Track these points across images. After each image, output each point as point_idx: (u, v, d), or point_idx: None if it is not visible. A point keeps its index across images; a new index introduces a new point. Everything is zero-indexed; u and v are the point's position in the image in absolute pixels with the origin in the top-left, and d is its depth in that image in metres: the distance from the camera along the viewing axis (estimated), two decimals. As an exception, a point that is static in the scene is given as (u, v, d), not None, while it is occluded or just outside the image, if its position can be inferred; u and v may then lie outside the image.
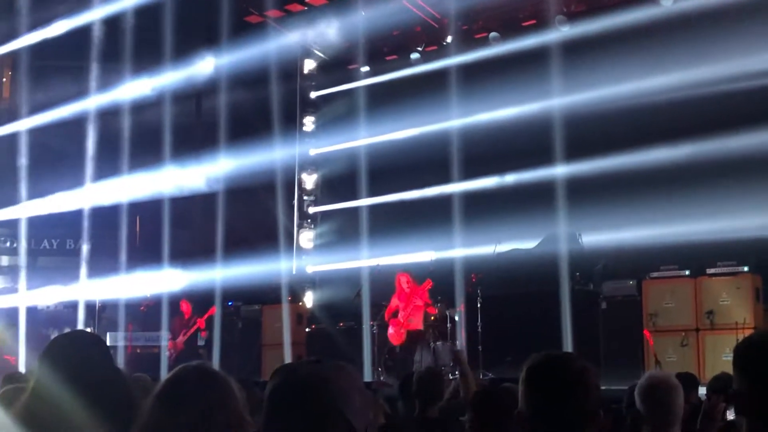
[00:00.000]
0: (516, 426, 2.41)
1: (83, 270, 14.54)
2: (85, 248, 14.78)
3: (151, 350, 13.67)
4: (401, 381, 6.32)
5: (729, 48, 11.03)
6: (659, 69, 11.63)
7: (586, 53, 11.89)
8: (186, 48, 14.35)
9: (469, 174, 12.95)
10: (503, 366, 10.28)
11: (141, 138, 14.63)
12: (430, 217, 13.25)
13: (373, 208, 14.18)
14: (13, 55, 15.70)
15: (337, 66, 16.04)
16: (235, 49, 14.05)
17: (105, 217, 14.67)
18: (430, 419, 5.43)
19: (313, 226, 16.40)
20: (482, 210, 12.60)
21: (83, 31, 14.29)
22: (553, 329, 10.39)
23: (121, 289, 14.11)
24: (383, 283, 12.92)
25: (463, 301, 11.92)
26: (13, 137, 14.79)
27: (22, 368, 11.48)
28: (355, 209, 14.39)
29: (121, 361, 12.29)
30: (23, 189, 14.51)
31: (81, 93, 14.64)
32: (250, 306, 14.19)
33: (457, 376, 6.33)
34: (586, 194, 11.44)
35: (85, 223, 14.65)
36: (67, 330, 3.49)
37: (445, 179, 13.05)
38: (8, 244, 16.11)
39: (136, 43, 14.25)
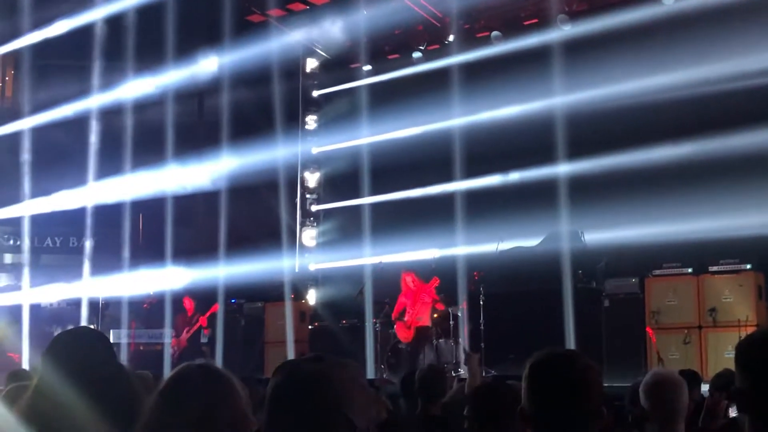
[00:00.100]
0: (518, 423, 2.41)
1: (86, 268, 14.55)
2: (88, 246, 14.79)
3: (154, 347, 13.69)
4: (403, 378, 6.33)
5: (731, 46, 11.02)
6: (661, 67, 11.62)
7: (587, 52, 11.87)
8: (188, 47, 14.36)
9: (471, 172, 12.95)
10: (506, 364, 10.28)
11: (144, 136, 14.64)
12: (432, 215, 13.25)
13: (375, 207, 14.20)
14: (16, 54, 15.73)
15: (339, 65, 16.05)
16: (238, 48, 14.06)
17: (108, 215, 14.69)
18: (433, 417, 5.44)
19: (315, 224, 16.41)
20: (485, 208, 12.59)
21: (85, 30, 14.30)
22: (555, 327, 10.38)
23: (124, 287, 14.12)
24: (386, 281, 12.94)
25: (465, 298, 11.93)
26: (16, 136, 14.81)
27: (25, 365, 11.50)
28: (358, 207, 14.41)
29: (124, 358, 12.31)
30: (26, 187, 14.52)
31: (83, 92, 14.66)
32: (252, 303, 14.20)
33: (460, 373, 6.34)
34: (589, 192, 11.44)
35: (89, 221, 14.66)
36: (70, 327, 3.50)
37: (448, 177, 13.04)
38: (11, 241, 16.13)
39: (138, 42, 14.26)
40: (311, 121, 16.46)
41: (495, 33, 13.83)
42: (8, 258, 16.69)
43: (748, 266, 10.43)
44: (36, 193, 14.66)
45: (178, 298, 13.92)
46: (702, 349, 10.35)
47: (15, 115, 15.29)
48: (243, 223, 14.40)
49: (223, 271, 13.63)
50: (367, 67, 15.21)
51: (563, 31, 12.70)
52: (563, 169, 11.74)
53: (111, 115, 14.72)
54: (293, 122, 15.85)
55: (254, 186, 14.25)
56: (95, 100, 14.59)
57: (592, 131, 11.72)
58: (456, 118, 13.17)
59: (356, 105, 14.96)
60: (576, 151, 11.75)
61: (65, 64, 15.63)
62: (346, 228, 15.61)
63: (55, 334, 3.14)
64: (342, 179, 15.57)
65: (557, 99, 11.98)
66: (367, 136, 14.43)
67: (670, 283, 10.80)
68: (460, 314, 11.93)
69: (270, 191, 14.89)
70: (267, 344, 13.82)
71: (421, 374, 5.65)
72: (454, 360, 11.71)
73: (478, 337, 11.34)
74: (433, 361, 11.13)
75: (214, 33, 14.40)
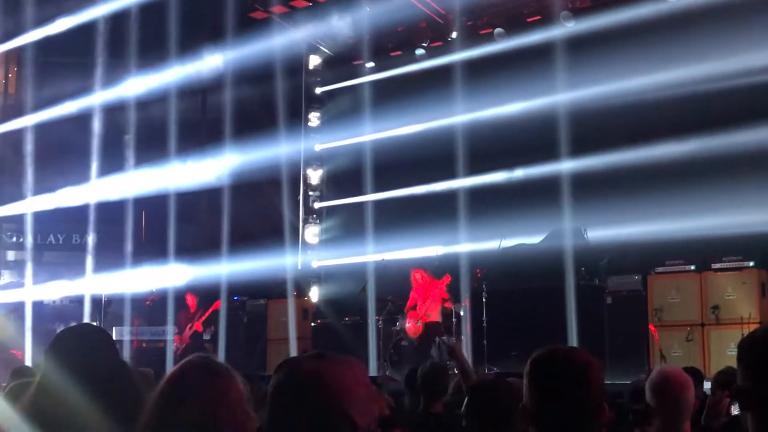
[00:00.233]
0: (519, 422, 2.41)
1: (89, 264, 14.57)
2: (90, 243, 14.81)
3: (156, 344, 13.71)
4: (406, 376, 6.33)
5: (735, 43, 11.00)
6: (664, 64, 11.59)
7: (591, 49, 11.86)
8: (191, 44, 14.37)
9: (474, 169, 12.95)
10: (508, 361, 10.28)
11: (147, 133, 14.67)
12: (435, 213, 13.24)
13: (378, 204, 14.20)
14: (19, 51, 15.74)
15: (342, 62, 16.04)
16: (241, 45, 14.06)
17: (111, 212, 14.71)
18: (435, 414, 5.45)
19: (318, 221, 16.41)
20: (487, 205, 12.59)
21: (88, 28, 14.31)
22: (558, 324, 10.37)
23: (126, 284, 14.14)
24: (388, 278, 12.94)
25: (468, 295, 11.93)
26: (19, 133, 14.82)
27: (28, 362, 11.52)
28: (361, 204, 14.42)
29: (126, 355, 12.32)
30: (29, 184, 14.54)
31: (86, 89, 14.68)
32: (255, 301, 14.20)
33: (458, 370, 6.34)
34: (592, 189, 11.44)
35: (91, 218, 14.69)
36: (73, 324, 3.51)
37: (450, 174, 13.05)
38: (14, 238, 16.16)
39: (141, 40, 14.28)
40: (314, 118, 16.46)
41: (498, 30, 13.82)
42: (11, 255, 16.73)
43: (751, 263, 10.41)
44: (39, 189, 14.68)
45: (180, 295, 13.94)
46: (704, 347, 10.34)
47: (18, 111, 15.31)
48: (246, 220, 14.41)
49: (226, 268, 13.64)
50: (370, 64, 15.20)
51: (566, 27, 12.69)
52: (566, 166, 11.74)
53: (114, 111, 14.73)
54: (296, 119, 15.86)
55: (257, 183, 14.27)
56: (98, 97, 14.61)
57: (595, 128, 11.71)
58: (459, 115, 13.16)
59: (359, 102, 14.96)
60: (579, 148, 11.74)
61: (68, 61, 15.65)
62: (348, 225, 15.62)
63: (58, 331, 3.14)
64: (345, 176, 15.57)
65: (560, 96, 11.97)
66: (370, 133, 14.42)
67: (673, 280, 10.79)
68: (462, 312, 11.93)
69: (273, 188, 14.89)
70: (269, 341, 13.83)
71: (423, 372, 5.66)
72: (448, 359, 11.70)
73: (481, 334, 11.35)
74: (435, 359, 11.13)
75: (217, 30, 14.40)
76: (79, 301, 14.06)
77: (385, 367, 12.17)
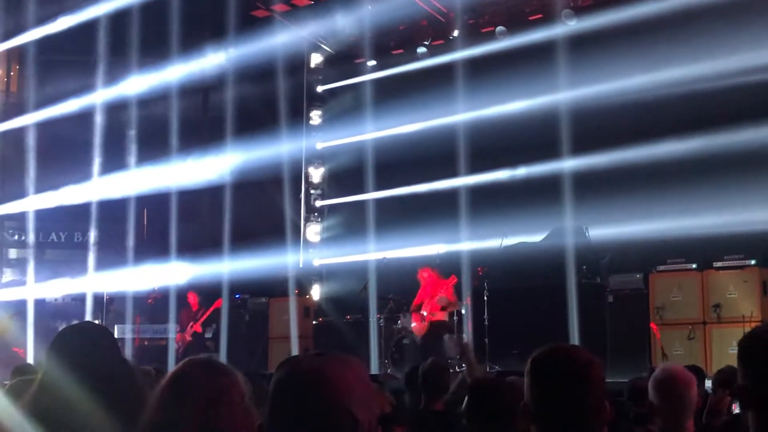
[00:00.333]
0: (519, 421, 2.41)
1: (91, 263, 14.59)
2: (92, 241, 14.82)
3: (158, 343, 13.73)
4: (407, 374, 6.34)
5: (737, 41, 10.99)
6: (666, 63, 11.59)
7: (592, 47, 11.85)
8: (193, 42, 14.37)
9: (475, 168, 12.95)
10: (510, 359, 10.28)
11: (148, 131, 14.67)
12: (436, 211, 13.24)
13: (379, 202, 14.20)
14: (21, 49, 15.74)
15: (343, 60, 16.04)
16: (242, 43, 14.07)
17: (113, 210, 14.72)
18: (436, 412, 5.45)
19: (320, 219, 16.42)
20: (489, 203, 12.59)
21: (90, 26, 14.31)
22: (559, 322, 10.38)
23: (128, 282, 14.15)
24: (390, 277, 12.95)
25: (469, 294, 11.93)
26: (20, 131, 14.83)
27: (30, 360, 11.53)
28: (362, 203, 14.42)
29: (128, 353, 12.34)
30: (31, 182, 14.55)
31: (88, 87, 14.68)
32: (257, 299, 14.21)
33: (464, 368, 6.34)
34: (593, 188, 11.43)
35: (93, 216, 14.70)
36: (74, 322, 3.51)
37: (452, 173, 13.05)
38: (16, 236, 16.16)
39: (142, 38, 14.28)
40: (316, 116, 16.46)
41: (500, 28, 13.81)
42: (13, 253, 16.73)
43: (753, 262, 10.39)
44: (41, 187, 14.69)
45: (182, 294, 13.95)
46: (706, 345, 10.33)
47: (20, 110, 15.32)
48: (247, 218, 14.42)
49: (228, 267, 13.65)
50: (372, 63, 15.20)
51: (568, 26, 12.69)
52: (568, 164, 11.74)
53: (116, 110, 14.74)
54: (298, 117, 15.86)
55: (259, 181, 14.27)
56: (100, 95, 14.61)
57: (597, 127, 11.71)
58: (460, 114, 13.16)
59: (361, 100, 14.95)
60: (580, 147, 11.74)
61: (70, 60, 15.64)
62: (350, 223, 15.62)
63: (60, 329, 3.15)
64: (346, 174, 15.57)
65: (562, 94, 11.97)
66: (371, 132, 14.43)
67: (675, 278, 10.78)
68: (464, 310, 11.94)
69: (274, 186, 14.90)
70: (271, 339, 13.83)
71: (424, 369, 5.66)
72: (458, 355, 11.70)
73: (482, 332, 11.35)
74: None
75: (218, 28, 14.41)
76: (81, 299, 14.08)
77: (387, 365, 12.18)
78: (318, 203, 16.42)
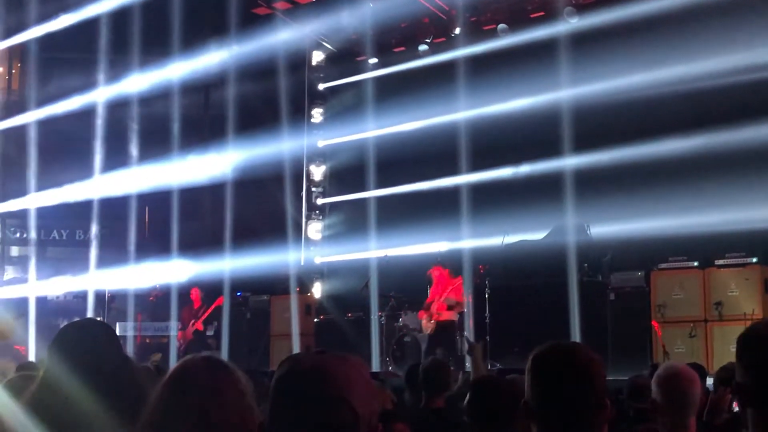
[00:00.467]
0: (519, 419, 2.40)
1: (92, 260, 14.60)
2: (94, 238, 14.83)
3: (160, 340, 13.74)
4: (407, 371, 6.35)
5: (739, 39, 10.98)
6: (668, 60, 11.58)
7: (594, 45, 11.85)
8: (194, 40, 14.37)
9: (477, 165, 12.95)
10: (511, 357, 10.28)
11: (150, 129, 14.68)
12: (438, 209, 13.24)
13: (381, 200, 14.20)
14: (22, 47, 15.75)
15: (345, 57, 16.03)
16: (244, 41, 14.07)
17: (114, 207, 14.73)
18: (436, 409, 5.46)
19: (321, 217, 16.42)
20: (490, 201, 12.59)
21: (91, 23, 14.31)
22: (561, 320, 10.38)
23: (130, 280, 14.17)
24: (391, 274, 12.95)
25: (471, 292, 11.93)
26: (22, 128, 14.84)
27: (32, 358, 11.54)
28: (363, 200, 14.42)
29: (130, 350, 12.35)
30: (33, 180, 14.56)
31: (89, 85, 14.69)
32: (258, 296, 14.22)
33: (466, 367, 6.35)
34: (595, 185, 11.43)
35: (95, 214, 14.72)
36: (76, 319, 3.52)
37: (453, 171, 13.05)
38: (18, 234, 16.18)
39: (144, 35, 14.28)
40: (317, 114, 16.46)
41: (501, 26, 13.81)
42: (15, 250, 16.75)
43: (754, 260, 10.39)
44: (42, 185, 14.70)
45: (184, 291, 13.96)
46: (708, 343, 10.33)
47: (21, 107, 15.33)
48: (249, 216, 14.43)
49: (229, 264, 13.66)
50: (373, 60, 15.20)
51: (570, 23, 12.68)
52: (569, 162, 11.73)
53: (117, 107, 14.75)
54: (299, 115, 15.85)
55: (260, 179, 14.27)
56: (101, 93, 14.62)
57: (598, 124, 11.70)
58: (462, 112, 13.15)
59: (362, 98, 14.95)
60: (582, 144, 11.74)
61: (71, 57, 15.65)
62: (351, 221, 15.63)
63: (62, 326, 3.15)
64: (348, 172, 15.58)
65: (563, 92, 11.97)
66: (373, 129, 14.43)
67: (676, 276, 10.77)
68: (465, 308, 11.94)
69: (276, 184, 14.91)
70: (272, 337, 13.84)
71: (424, 367, 5.67)
72: (459, 353, 11.71)
73: (484, 330, 11.35)
74: (440, 355, 11.15)
75: (220, 26, 14.41)
76: (82, 296, 14.10)
77: (388, 362, 12.19)
78: (319, 201, 16.42)
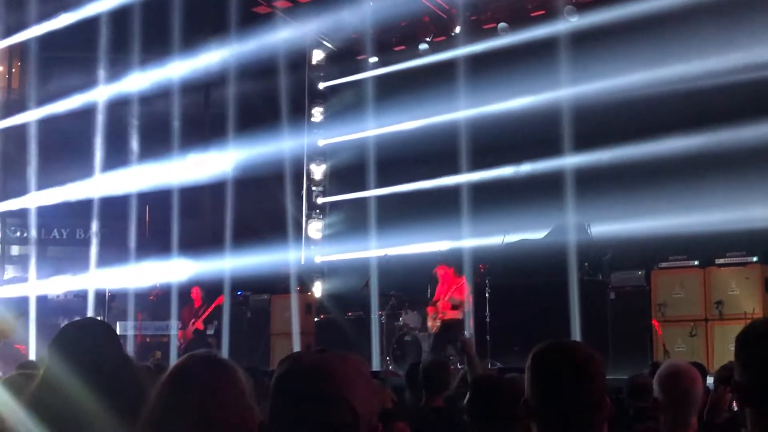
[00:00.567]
0: (519, 418, 2.40)
1: (93, 259, 14.60)
2: (94, 238, 14.84)
3: (160, 339, 13.74)
4: (407, 370, 6.36)
5: (739, 38, 10.97)
6: (669, 59, 11.57)
7: (594, 44, 11.84)
8: (194, 39, 14.37)
9: (477, 164, 12.95)
10: (511, 356, 10.29)
11: (150, 128, 14.68)
12: (438, 208, 13.24)
13: (381, 199, 14.20)
14: (22, 46, 15.74)
15: (345, 56, 16.03)
16: (244, 40, 14.06)
17: (114, 206, 14.73)
18: (436, 408, 5.46)
19: (321, 216, 16.42)
20: (491, 200, 12.59)
21: (91, 22, 14.31)
22: (561, 319, 10.39)
23: (130, 279, 14.17)
24: (391, 273, 12.95)
25: (471, 291, 11.93)
26: (22, 128, 14.84)
27: (32, 357, 11.54)
28: (364, 200, 14.42)
29: (130, 350, 12.35)
30: (33, 179, 14.56)
31: (90, 84, 14.69)
32: (259, 296, 14.23)
33: (466, 365, 6.35)
34: (595, 184, 11.42)
35: (95, 213, 14.71)
36: (76, 319, 3.52)
37: (454, 170, 13.04)
38: (18, 233, 16.18)
39: (144, 34, 14.28)
40: (317, 113, 16.45)
41: (502, 24, 13.80)
42: (15, 250, 16.75)
43: (755, 259, 10.40)
44: (43, 184, 14.70)
45: (184, 290, 13.96)
46: (708, 342, 10.33)
47: (21, 106, 15.32)
48: (249, 215, 14.43)
49: (229, 263, 13.66)
50: (374, 59, 15.19)
51: (570, 22, 12.67)
52: (570, 161, 11.73)
53: (117, 106, 14.75)
54: (299, 114, 15.85)
55: (260, 178, 14.27)
56: (101, 92, 14.62)
57: (599, 123, 11.70)
58: (462, 111, 13.15)
59: (362, 97, 14.94)
60: (582, 143, 11.73)
61: (71, 56, 15.65)
62: (352, 220, 15.62)
63: (62, 325, 3.15)
64: (348, 171, 15.57)
65: (564, 91, 11.96)
66: (373, 128, 14.43)
67: (677, 275, 10.78)
68: (465, 307, 11.94)
69: (276, 183, 14.91)
70: (273, 336, 13.85)
71: (425, 366, 5.68)
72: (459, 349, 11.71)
73: (484, 329, 11.36)
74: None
75: (220, 25, 14.40)
76: (83, 295, 14.09)
77: (388, 361, 12.19)
78: (320, 200, 16.42)
